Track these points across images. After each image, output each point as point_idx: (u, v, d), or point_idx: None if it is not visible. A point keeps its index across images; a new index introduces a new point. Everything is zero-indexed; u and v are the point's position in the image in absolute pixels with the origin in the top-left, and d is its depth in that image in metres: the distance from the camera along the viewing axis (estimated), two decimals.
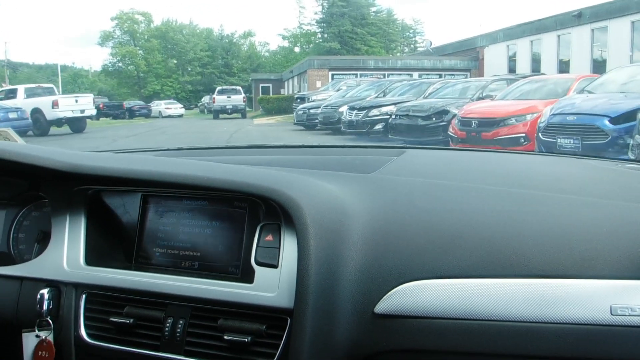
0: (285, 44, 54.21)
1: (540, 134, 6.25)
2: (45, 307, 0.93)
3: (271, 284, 0.82)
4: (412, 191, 0.95)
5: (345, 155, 1.49)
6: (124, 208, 1.02)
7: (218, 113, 25.71)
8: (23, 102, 15.64)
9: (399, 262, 0.78)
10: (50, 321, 0.93)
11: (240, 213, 0.90)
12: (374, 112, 10.87)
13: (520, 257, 0.75)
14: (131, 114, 32.21)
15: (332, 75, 25.04)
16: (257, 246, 0.85)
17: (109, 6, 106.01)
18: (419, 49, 44.96)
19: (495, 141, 7.04)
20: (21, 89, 16.89)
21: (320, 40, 47.02)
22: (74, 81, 57.17)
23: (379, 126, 10.66)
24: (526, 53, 20.73)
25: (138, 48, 51.62)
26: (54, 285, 0.96)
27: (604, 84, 6.66)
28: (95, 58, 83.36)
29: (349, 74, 24.26)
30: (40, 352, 0.92)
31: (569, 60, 18.24)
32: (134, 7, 66.50)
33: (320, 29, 47.58)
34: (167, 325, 0.86)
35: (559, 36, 18.83)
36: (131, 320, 0.89)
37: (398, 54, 45.32)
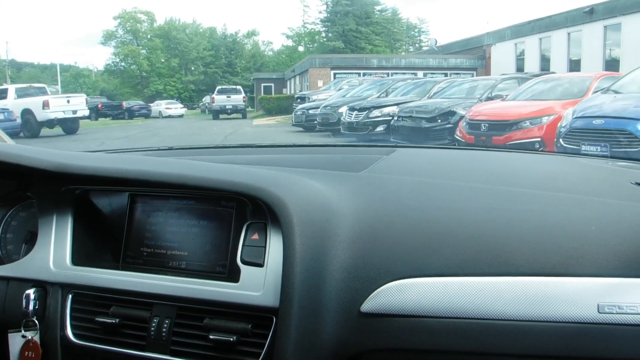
0: (289, 43, 54.08)
1: (561, 140, 5.48)
2: (31, 307, 0.93)
3: (257, 283, 0.82)
4: (400, 189, 0.95)
5: (336, 154, 1.50)
6: (112, 208, 1.03)
7: (218, 113, 25.25)
8: (13, 102, 15.32)
9: (386, 260, 0.78)
10: (37, 321, 0.93)
11: (228, 212, 0.90)
12: (375, 113, 10.21)
13: (508, 255, 0.75)
14: (130, 114, 31.81)
15: (334, 74, 24.61)
16: (243, 245, 0.85)
17: (112, 5, 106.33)
18: (424, 48, 44.42)
19: (507, 146, 6.32)
20: (11, 89, 16.53)
21: (325, 39, 46.91)
22: (76, 81, 57.06)
23: (380, 128, 10.01)
24: (535, 51, 20.19)
25: (141, 47, 51.65)
26: (40, 286, 0.96)
27: (632, 83, 5.89)
28: (98, 58, 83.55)
29: (352, 73, 23.81)
30: (26, 353, 0.93)
31: (579, 59, 17.65)
32: (136, 6, 66.43)
33: (324, 28, 47.60)
34: (153, 325, 0.87)
35: (569, 33, 18.27)
36: (117, 320, 0.89)
37: (403, 53, 44.79)
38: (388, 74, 21.13)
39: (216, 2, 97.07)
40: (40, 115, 15.02)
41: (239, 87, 28.20)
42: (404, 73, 21.46)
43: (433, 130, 8.39)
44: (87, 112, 16.96)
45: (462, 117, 7.75)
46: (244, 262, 0.83)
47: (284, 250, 0.78)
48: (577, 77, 8.35)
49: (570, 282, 0.71)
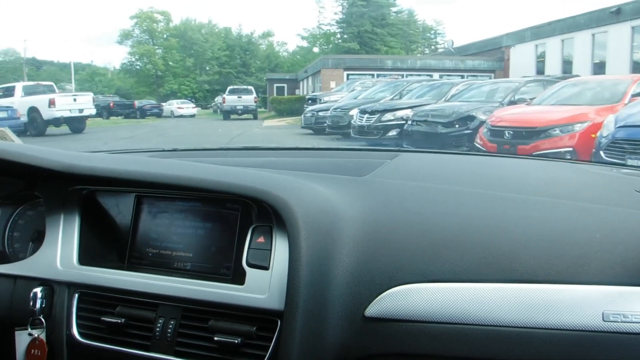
0: (304, 44, 53.74)
1: (601, 152, 4.81)
2: (38, 305, 0.94)
3: (262, 286, 0.83)
4: (404, 194, 0.96)
5: (339, 157, 1.50)
6: (118, 208, 1.03)
7: (228, 114, 24.92)
8: (20, 100, 15.16)
9: (390, 265, 0.78)
10: (43, 320, 0.94)
11: (233, 215, 0.91)
12: (388, 116, 9.64)
13: (512, 262, 0.75)
14: (142, 113, 31.70)
15: (347, 75, 24.09)
16: (248, 248, 0.86)
17: (129, 5, 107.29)
18: (440, 50, 43.70)
19: (534, 157, 5.68)
20: (19, 86, 16.42)
21: (340, 40, 46.45)
22: (92, 79, 57.35)
23: (393, 132, 9.45)
24: (556, 53, 19.43)
25: (156, 47, 51.82)
26: (47, 284, 0.97)
27: None
28: (115, 57, 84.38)
29: (365, 74, 23.32)
30: (32, 351, 0.93)
31: (604, 62, 16.83)
32: (153, 6, 66.69)
33: (339, 29, 47.23)
34: (158, 325, 0.88)
35: (593, 35, 17.47)
36: (122, 320, 0.90)
37: (418, 55, 44.08)
38: (403, 76, 20.50)
39: (232, 3, 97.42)
40: (47, 113, 14.84)
41: (250, 87, 27.88)
42: (420, 74, 20.81)
43: (450, 136, 7.79)
44: (93, 111, 16.76)
45: (482, 122, 7.14)
46: (250, 265, 0.84)
47: (289, 253, 0.79)
48: (610, 80, 7.62)
49: (575, 289, 0.71)
